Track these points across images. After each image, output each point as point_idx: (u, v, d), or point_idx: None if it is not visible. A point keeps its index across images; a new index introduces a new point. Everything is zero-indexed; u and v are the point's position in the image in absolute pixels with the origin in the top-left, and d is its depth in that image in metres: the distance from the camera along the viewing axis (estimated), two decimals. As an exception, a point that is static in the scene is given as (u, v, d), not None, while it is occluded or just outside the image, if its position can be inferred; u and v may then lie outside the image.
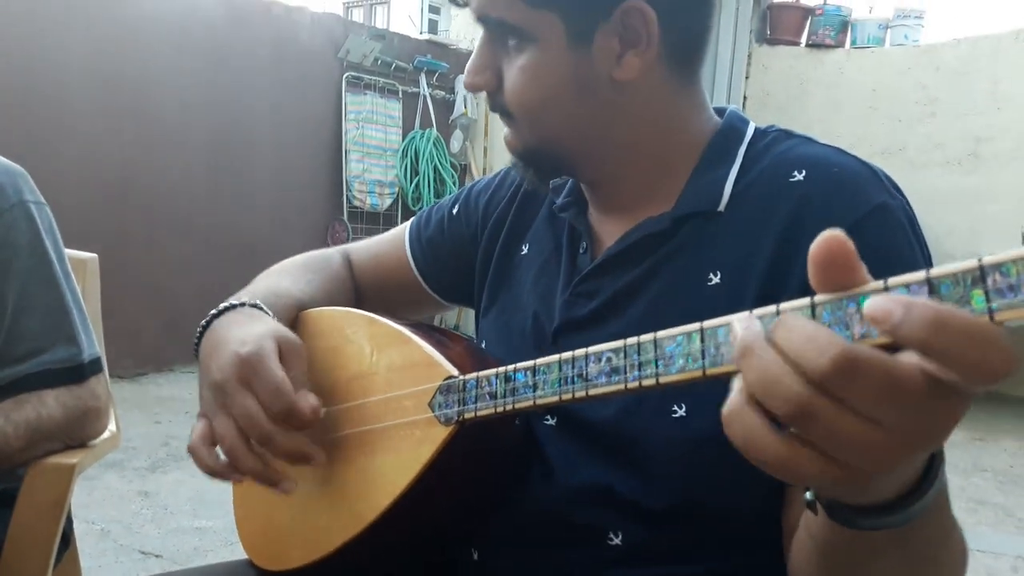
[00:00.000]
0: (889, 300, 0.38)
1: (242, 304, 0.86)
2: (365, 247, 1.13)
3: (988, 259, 0.39)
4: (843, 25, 5.83)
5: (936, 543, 0.57)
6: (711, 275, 0.77)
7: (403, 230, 1.09)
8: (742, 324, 0.44)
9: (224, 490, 0.90)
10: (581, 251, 0.88)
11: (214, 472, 0.78)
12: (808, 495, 0.54)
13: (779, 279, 0.73)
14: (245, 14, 4.98)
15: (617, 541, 0.77)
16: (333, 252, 1.10)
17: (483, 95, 0.86)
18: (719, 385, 0.46)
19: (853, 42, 5.82)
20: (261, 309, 0.86)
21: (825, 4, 5.89)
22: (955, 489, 0.81)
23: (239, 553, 0.94)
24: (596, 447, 0.79)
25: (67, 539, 1.26)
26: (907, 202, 0.76)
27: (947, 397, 0.39)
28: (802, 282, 0.71)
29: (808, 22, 5.93)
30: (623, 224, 0.84)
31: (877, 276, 0.42)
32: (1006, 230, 4.93)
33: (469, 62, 0.83)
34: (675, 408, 0.74)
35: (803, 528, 0.65)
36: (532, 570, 0.80)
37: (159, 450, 3.44)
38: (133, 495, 2.96)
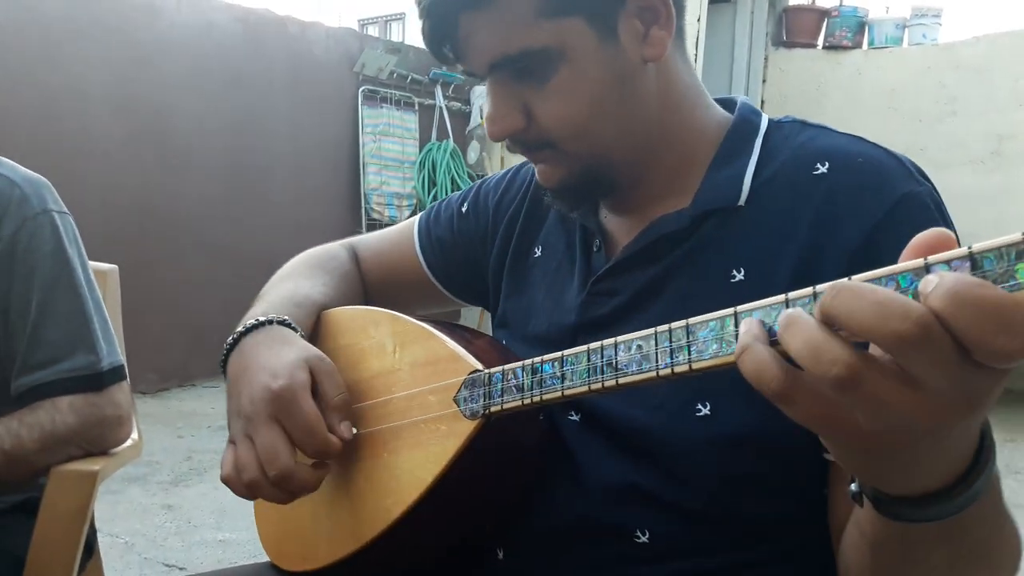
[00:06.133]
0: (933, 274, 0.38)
1: (270, 322, 0.85)
2: (372, 241, 1.11)
3: None
4: (860, 26, 5.78)
5: (988, 536, 0.56)
6: (734, 272, 0.75)
7: (411, 225, 1.08)
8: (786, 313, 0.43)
9: (247, 502, 0.89)
10: (595, 250, 0.86)
11: (251, 497, 0.78)
12: (853, 486, 0.53)
13: (810, 274, 0.71)
14: (260, 32, 5.00)
15: (644, 539, 0.76)
16: (338, 248, 1.09)
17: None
18: (745, 383, 0.44)
19: (871, 43, 5.77)
20: (289, 326, 0.85)
21: (841, 5, 5.86)
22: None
23: (263, 562, 0.92)
24: (621, 444, 0.77)
25: (90, 548, 1.26)
26: (933, 187, 0.75)
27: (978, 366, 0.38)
28: (837, 276, 0.69)
29: (824, 24, 5.90)
30: (636, 221, 0.83)
31: None
32: (1031, 229, 4.88)
33: (488, 112, 0.79)
34: (699, 407, 0.73)
35: (853, 524, 0.64)
36: (557, 569, 0.79)
37: (182, 464, 3.44)
38: (157, 508, 2.96)
